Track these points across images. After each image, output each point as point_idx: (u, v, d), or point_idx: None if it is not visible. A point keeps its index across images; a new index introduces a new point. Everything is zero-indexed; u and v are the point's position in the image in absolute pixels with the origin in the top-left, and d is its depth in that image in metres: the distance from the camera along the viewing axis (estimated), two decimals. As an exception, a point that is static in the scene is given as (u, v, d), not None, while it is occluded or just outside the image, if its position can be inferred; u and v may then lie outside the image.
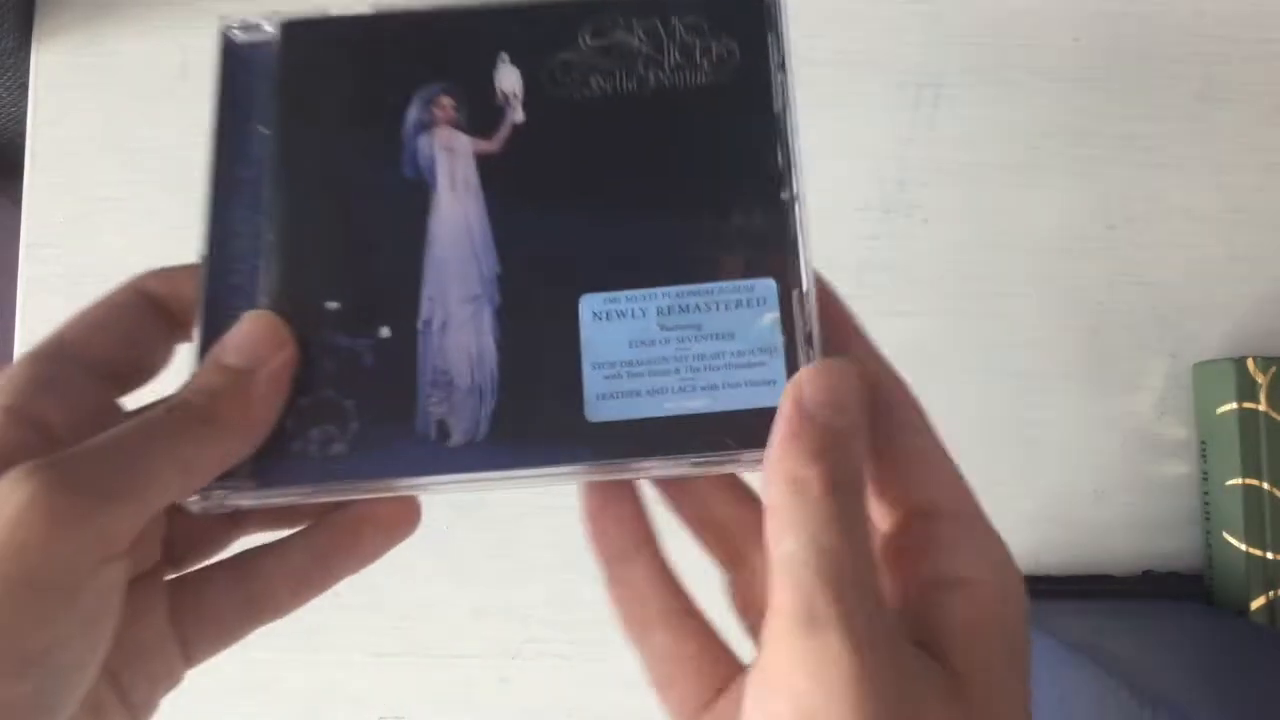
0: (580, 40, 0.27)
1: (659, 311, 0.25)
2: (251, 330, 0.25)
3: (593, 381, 0.25)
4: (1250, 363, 0.47)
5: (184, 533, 0.26)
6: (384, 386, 0.25)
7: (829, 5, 0.54)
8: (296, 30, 0.28)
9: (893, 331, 0.51)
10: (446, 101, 0.27)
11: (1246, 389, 0.47)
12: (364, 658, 0.51)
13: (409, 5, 0.28)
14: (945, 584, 0.22)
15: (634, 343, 0.25)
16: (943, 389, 0.51)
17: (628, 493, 0.27)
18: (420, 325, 0.26)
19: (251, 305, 0.26)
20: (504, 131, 0.27)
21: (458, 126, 0.27)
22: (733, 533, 0.27)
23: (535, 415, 0.25)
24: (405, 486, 0.25)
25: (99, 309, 0.25)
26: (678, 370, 0.25)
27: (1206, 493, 0.49)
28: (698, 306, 0.25)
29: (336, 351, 0.25)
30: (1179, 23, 0.54)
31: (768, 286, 0.25)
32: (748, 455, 0.24)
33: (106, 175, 0.53)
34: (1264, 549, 0.46)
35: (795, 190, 0.26)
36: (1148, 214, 0.52)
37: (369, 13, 0.28)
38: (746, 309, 0.25)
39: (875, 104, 0.53)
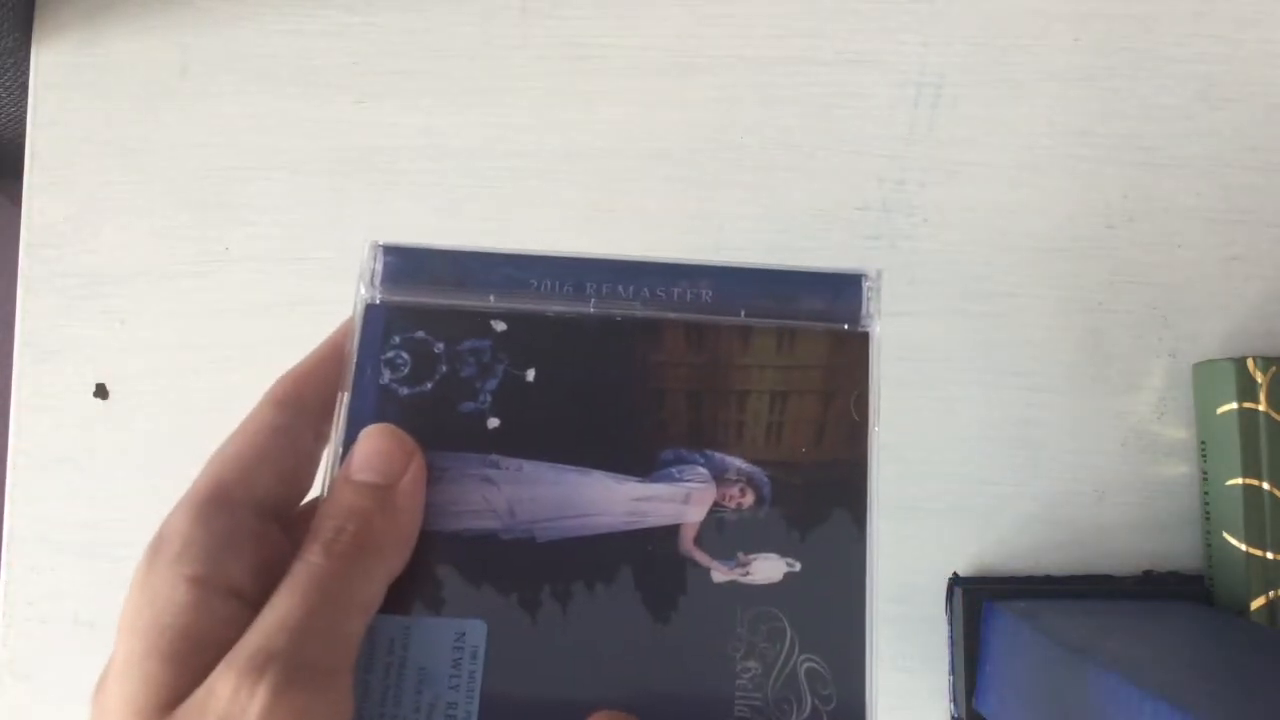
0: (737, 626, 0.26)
1: None
2: (377, 442, 0.24)
3: None
4: (1250, 363, 0.47)
5: None
6: None
7: (829, 5, 0.54)
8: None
9: (893, 332, 0.52)
10: None
11: (1246, 389, 0.47)
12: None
13: None
14: None
15: None
16: (943, 389, 0.52)
17: None
18: None
19: None
20: None
21: None
22: None
23: None
24: None
25: (247, 439, 0.24)
26: None
27: (1206, 493, 0.49)
28: None
29: None
30: (1179, 23, 0.54)
31: None
32: None
33: (106, 175, 0.53)
34: (1264, 549, 0.46)
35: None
36: (1148, 214, 0.52)
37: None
38: None
39: (875, 104, 0.53)
